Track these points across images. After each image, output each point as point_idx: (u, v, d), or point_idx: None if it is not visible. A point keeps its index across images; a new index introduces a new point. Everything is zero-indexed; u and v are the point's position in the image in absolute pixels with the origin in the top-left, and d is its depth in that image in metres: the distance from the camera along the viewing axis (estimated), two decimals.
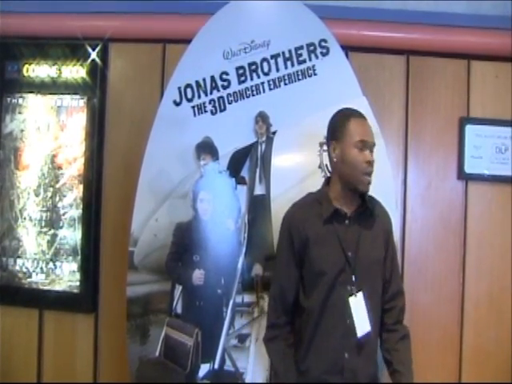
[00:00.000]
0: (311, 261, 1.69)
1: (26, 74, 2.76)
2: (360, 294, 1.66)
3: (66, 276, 2.70)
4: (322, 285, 1.66)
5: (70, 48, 2.72)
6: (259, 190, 2.23)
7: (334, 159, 1.72)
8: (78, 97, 2.72)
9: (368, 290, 1.68)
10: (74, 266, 2.69)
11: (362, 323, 1.66)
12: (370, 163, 1.66)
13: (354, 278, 1.66)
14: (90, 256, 2.68)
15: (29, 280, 2.72)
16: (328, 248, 1.68)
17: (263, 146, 2.23)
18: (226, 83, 2.23)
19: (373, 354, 1.73)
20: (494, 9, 2.61)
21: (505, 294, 2.57)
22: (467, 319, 2.58)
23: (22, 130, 2.76)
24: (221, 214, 2.20)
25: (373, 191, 1.81)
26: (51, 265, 2.70)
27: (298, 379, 1.71)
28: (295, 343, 1.77)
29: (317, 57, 2.21)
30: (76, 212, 2.70)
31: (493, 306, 2.57)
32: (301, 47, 2.21)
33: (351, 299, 1.65)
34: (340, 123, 1.72)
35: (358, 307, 1.66)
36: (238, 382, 2.15)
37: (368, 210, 1.73)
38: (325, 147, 2.13)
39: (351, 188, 1.69)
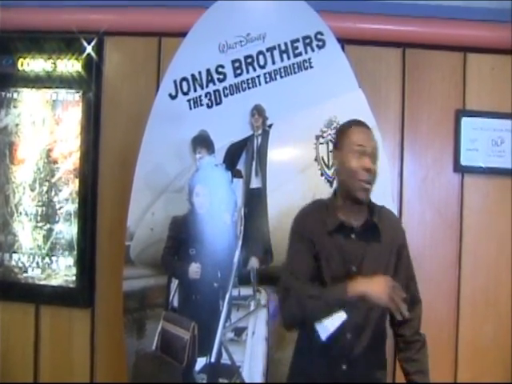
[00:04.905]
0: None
1: (20, 68, 2.74)
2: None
3: (62, 271, 2.69)
4: None
5: (65, 42, 2.70)
6: (255, 183, 2.23)
7: (336, 167, 1.68)
8: (73, 91, 2.71)
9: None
10: (70, 260, 2.68)
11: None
12: (370, 170, 1.58)
13: None
14: (86, 250, 2.68)
15: (25, 275, 2.71)
16: (332, 261, 1.61)
17: (259, 139, 2.23)
18: (221, 76, 2.23)
19: (374, 368, 1.65)
20: (490, 2, 2.60)
21: (501, 287, 2.58)
22: (463, 313, 2.59)
23: (17, 125, 2.74)
24: (217, 208, 2.20)
25: None
26: (47, 259, 2.70)
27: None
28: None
29: (313, 49, 2.20)
30: (72, 206, 2.69)
31: (489, 301, 2.58)
32: (297, 40, 2.21)
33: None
34: (341, 131, 1.69)
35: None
36: (237, 382, 2.15)
37: (374, 225, 1.63)
38: (321, 140, 2.14)
39: (350, 197, 1.61)
